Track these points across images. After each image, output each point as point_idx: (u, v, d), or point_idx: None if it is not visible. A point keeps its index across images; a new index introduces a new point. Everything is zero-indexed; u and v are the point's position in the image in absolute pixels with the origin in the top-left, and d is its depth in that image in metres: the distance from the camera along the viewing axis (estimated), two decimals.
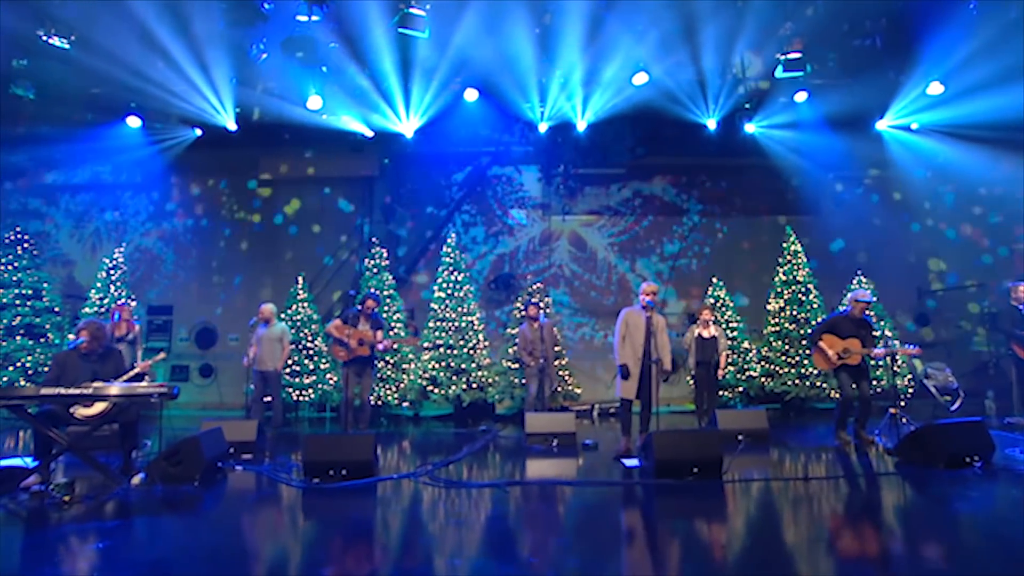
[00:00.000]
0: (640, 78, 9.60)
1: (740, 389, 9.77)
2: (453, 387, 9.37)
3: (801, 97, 10.07)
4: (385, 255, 10.31)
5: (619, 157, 11.84)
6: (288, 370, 9.44)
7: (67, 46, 8.57)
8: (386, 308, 9.79)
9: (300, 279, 10.09)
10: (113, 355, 5.23)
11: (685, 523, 3.86)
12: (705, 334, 7.75)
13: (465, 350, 9.57)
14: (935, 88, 9.69)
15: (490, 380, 9.54)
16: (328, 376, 9.65)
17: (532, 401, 7.71)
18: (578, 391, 9.88)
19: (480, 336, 9.75)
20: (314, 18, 8.36)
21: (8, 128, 10.34)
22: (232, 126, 10.55)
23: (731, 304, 10.07)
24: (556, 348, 9.45)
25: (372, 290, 9.68)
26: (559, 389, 9.60)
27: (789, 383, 9.62)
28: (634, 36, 8.95)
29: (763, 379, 9.80)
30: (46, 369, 6.83)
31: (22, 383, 9.00)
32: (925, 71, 9.48)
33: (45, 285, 10.21)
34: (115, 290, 9.97)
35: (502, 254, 12.06)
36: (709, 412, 7.40)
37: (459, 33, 8.78)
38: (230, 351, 11.41)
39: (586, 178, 12.11)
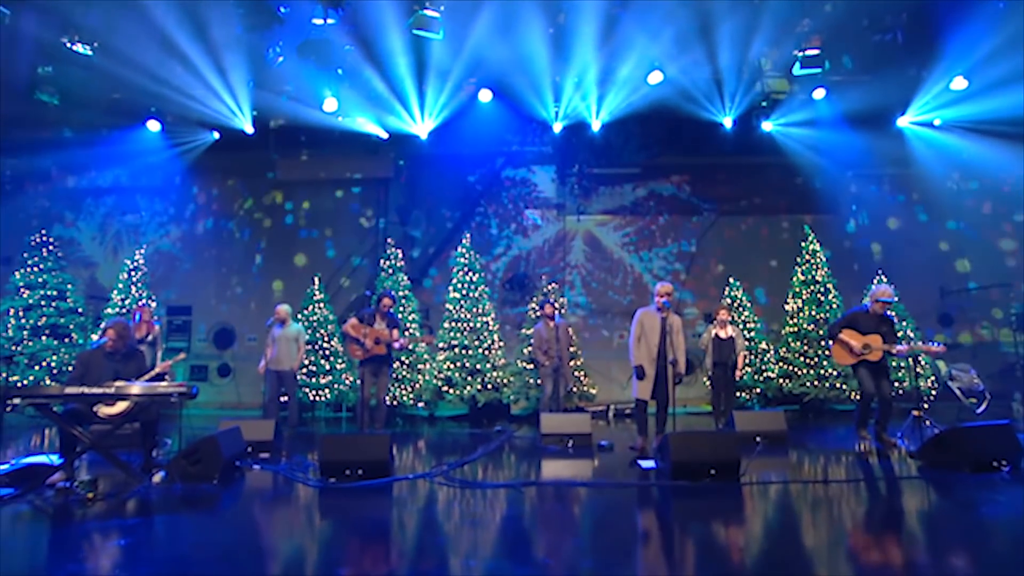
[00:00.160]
0: (655, 77, 9.53)
1: (758, 390, 9.66)
2: (468, 387, 9.38)
3: (820, 94, 9.92)
4: (400, 256, 10.36)
5: (634, 156, 11.78)
6: (304, 370, 9.53)
7: (90, 52, 8.75)
8: (401, 309, 9.84)
9: (316, 280, 10.19)
10: (136, 356, 5.33)
11: (701, 526, 3.82)
12: (722, 334, 7.67)
13: (480, 350, 9.58)
14: (959, 83, 9.48)
15: (505, 380, 9.54)
16: (344, 376, 9.73)
17: (547, 401, 7.69)
18: (593, 391, 9.84)
19: (495, 336, 9.76)
20: (330, 21, 8.44)
21: (33, 133, 10.59)
22: (249, 129, 10.69)
23: (748, 304, 9.96)
24: (571, 348, 9.42)
25: (388, 289, 9.73)
26: (574, 389, 9.56)
27: (808, 384, 9.48)
28: (649, 35, 8.89)
29: (781, 380, 9.67)
30: (70, 368, 6.98)
31: (47, 382, 9.20)
32: (948, 66, 9.29)
33: (69, 287, 10.43)
34: (136, 291, 10.15)
35: (517, 254, 12.06)
36: (726, 413, 7.32)
37: (473, 34, 8.80)
38: (248, 351, 11.55)
39: (601, 178, 12.07)
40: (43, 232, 10.54)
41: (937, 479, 4.76)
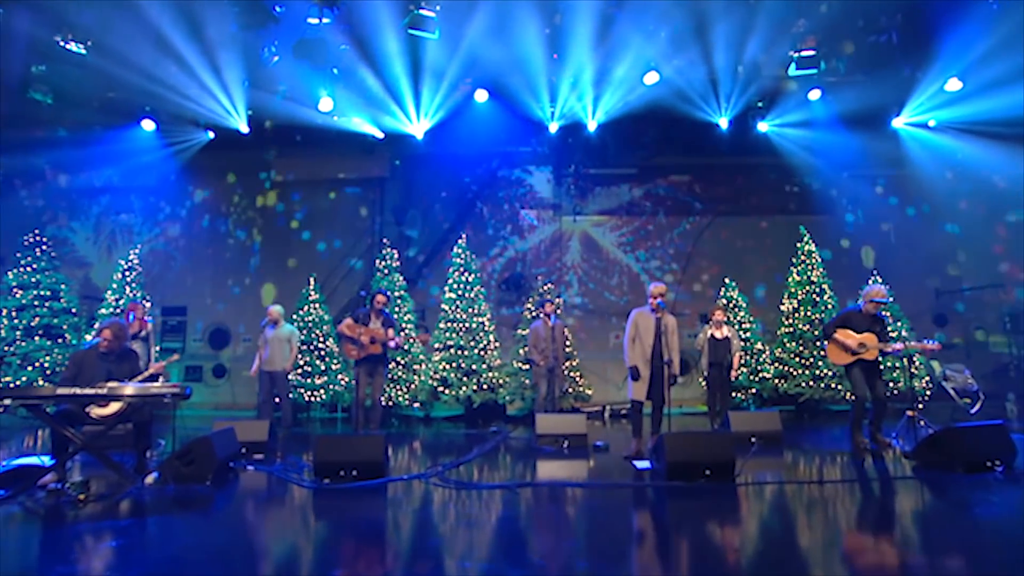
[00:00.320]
0: (651, 77, 9.54)
1: (753, 390, 9.67)
2: (464, 388, 9.37)
3: (815, 95, 9.94)
4: (396, 256, 10.34)
5: (630, 157, 11.80)
6: (300, 371, 9.50)
7: (84, 51, 8.70)
8: (397, 309, 9.82)
9: (311, 280, 10.15)
10: (129, 356, 5.29)
11: (696, 526, 3.81)
12: (718, 335, 7.68)
13: (476, 351, 9.57)
14: (953, 84, 9.52)
15: (501, 381, 9.53)
16: (340, 376, 9.70)
17: (542, 402, 7.68)
18: (589, 392, 9.84)
19: (491, 337, 9.74)
20: (325, 20, 8.41)
21: (27, 132, 10.52)
22: (244, 128, 10.66)
23: (744, 305, 9.97)
24: (567, 348, 9.41)
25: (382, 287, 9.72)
26: (569, 390, 9.56)
27: (803, 384, 9.50)
28: (645, 35, 8.90)
29: (776, 380, 9.69)
30: (63, 369, 6.95)
31: (40, 383, 9.15)
32: (943, 67, 9.33)
33: (63, 287, 10.37)
34: (130, 291, 10.10)
35: (513, 255, 12.05)
36: (722, 414, 7.32)
37: (469, 34, 8.79)
38: (243, 352, 11.51)
39: (597, 178, 12.07)
40: (36, 232, 10.48)
41: (931, 479, 4.77)
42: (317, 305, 9.99)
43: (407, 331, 9.72)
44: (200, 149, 11.40)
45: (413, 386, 9.63)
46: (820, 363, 9.44)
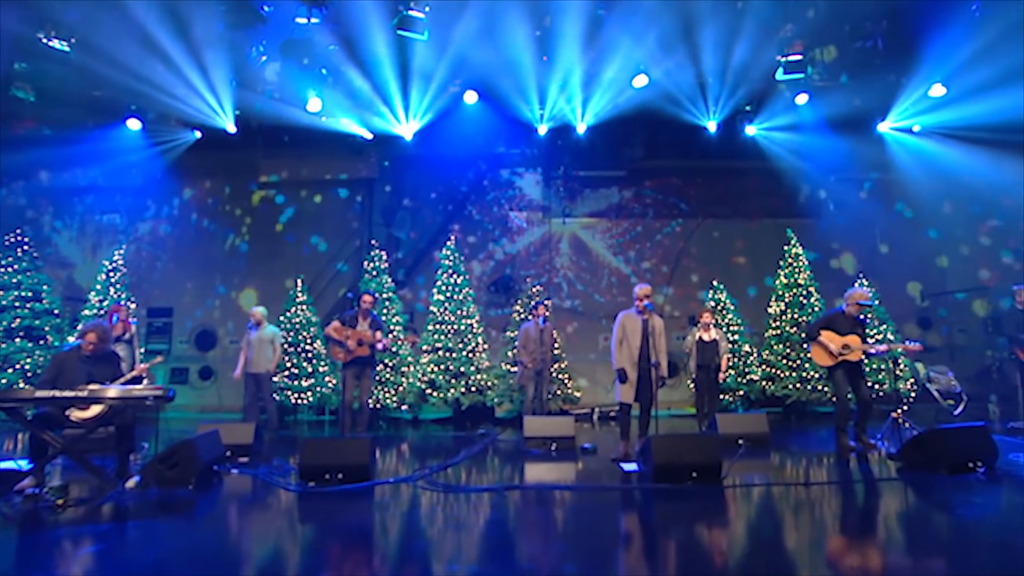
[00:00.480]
0: (640, 80, 9.57)
1: (741, 393, 9.72)
2: (452, 390, 9.33)
3: (802, 99, 10.03)
4: (384, 258, 10.29)
5: (619, 159, 11.84)
6: (286, 373, 9.42)
7: (67, 49, 8.57)
8: (385, 311, 9.76)
9: (299, 281, 10.07)
10: (110, 358, 5.21)
11: (683, 529, 3.81)
12: (706, 337, 7.71)
13: (464, 353, 9.54)
14: (937, 90, 9.65)
15: (489, 383, 9.51)
16: (327, 379, 9.62)
17: (530, 404, 7.67)
18: (578, 394, 9.84)
19: (479, 339, 9.72)
20: (313, 20, 8.35)
21: (8, 130, 10.35)
22: (232, 128, 10.56)
23: (732, 307, 10.02)
24: (555, 351, 9.41)
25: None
26: (558, 392, 9.56)
27: (790, 387, 9.57)
28: (633, 38, 8.93)
29: (764, 383, 9.75)
30: (43, 371, 6.85)
31: (21, 385, 8.99)
32: (927, 73, 9.44)
33: (45, 287, 10.21)
34: (115, 292, 9.97)
35: (502, 257, 12.04)
36: (710, 416, 7.35)
37: (458, 36, 8.76)
38: (230, 353, 11.39)
39: (586, 180, 12.10)
40: (18, 232, 10.30)
41: (915, 481, 4.81)
42: (304, 307, 9.91)
43: (395, 333, 9.66)
44: (187, 149, 11.28)
45: (401, 388, 9.58)
46: (807, 365, 9.51)
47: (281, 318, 9.69)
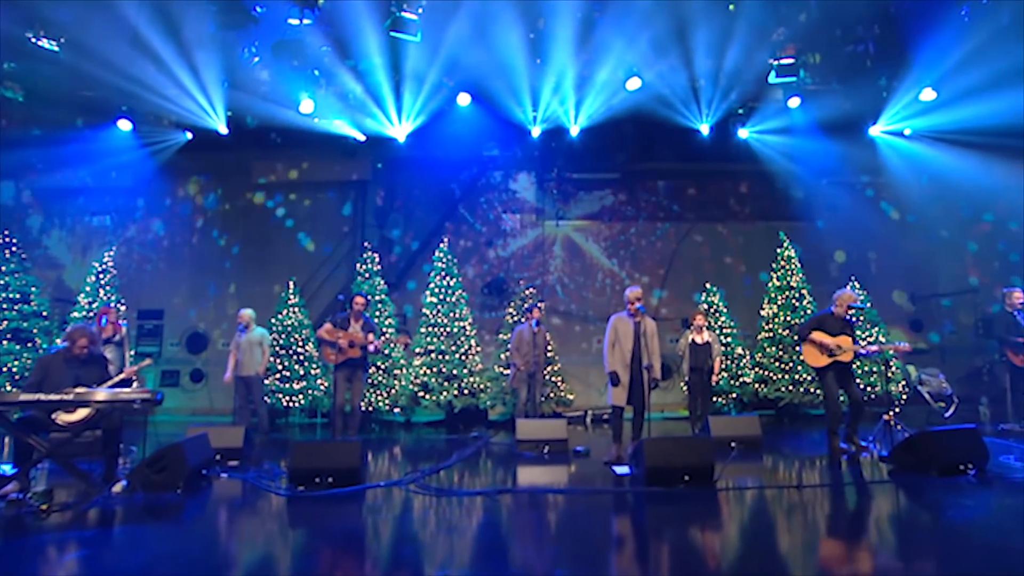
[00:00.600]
0: (633, 83, 9.58)
1: (734, 395, 9.73)
2: (445, 393, 9.30)
3: (794, 103, 10.08)
4: (377, 260, 10.24)
5: (612, 162, 11.84)
6: (278, 375, 9.35)
7: (56, 48, 8.49)
8: (378, 313, 9.72)
9: (291, 283, 10.01)
10: (98, 361, 5.14)
11: (676, 531, 3.80)
12: (698, 340, 7.71)
13: (457, 356, 9.50)
14: (928, 94, 9.72)
15: (482, 386, 9.47)
16: (319, 382, 9.56)
17: (523, 407, 7.65)
18: (571, 397, 9.82)
19: (472, 342, 9.69)
20: (305, 21, 8.31)
21: None
22: (223, 130, 10.48)
23: (724, 310, 10.04)
24: (548, 353, 9.39)
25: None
26: (551, 395, 9.53)
27: (783, 389, 9.58)
28: (627, 41, 8.93)
29: (757, 385, 9.76)
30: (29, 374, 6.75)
31: (8, 388, 8.88)
32: (918, 77, 9.51)
33: (33, 289, 10.09)
34: (105, 294, 9.87)
35: (495, 259, 12.01)
36: (703, 418, 7.34)
37: (452, 37, 8.74)
38: (221, 356, 11.29)
39: (579, 183, 12.09)
40: (6, 233, 10.18)
41: (906, 483, 4.81)
42: (296, 309, 9.84)
43: (388, 335, 9.62)
44: (178, 150, 11.19)
45: (394, 391, 9.53)
46: (800, 368, 9.53)
47: (273, 320, 9.62)
